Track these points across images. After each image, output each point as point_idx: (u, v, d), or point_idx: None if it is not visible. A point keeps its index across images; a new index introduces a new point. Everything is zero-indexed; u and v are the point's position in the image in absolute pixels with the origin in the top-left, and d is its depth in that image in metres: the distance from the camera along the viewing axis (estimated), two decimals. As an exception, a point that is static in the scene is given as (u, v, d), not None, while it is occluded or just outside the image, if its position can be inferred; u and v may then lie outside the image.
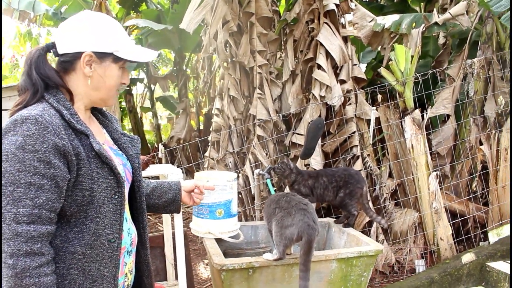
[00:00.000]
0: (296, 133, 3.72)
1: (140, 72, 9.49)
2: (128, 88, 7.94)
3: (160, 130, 9.33)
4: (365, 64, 5.15)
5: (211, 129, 3.95)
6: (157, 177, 2.24)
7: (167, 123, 12.04)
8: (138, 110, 9.22)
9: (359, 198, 2.62)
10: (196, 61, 8.68)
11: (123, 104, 8.62)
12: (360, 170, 3.60)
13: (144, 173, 2.04)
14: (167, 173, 2.08)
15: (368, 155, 3.72)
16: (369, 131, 3.49)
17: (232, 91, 3.81)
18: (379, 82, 4.26)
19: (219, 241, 2.27)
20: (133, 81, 8.52)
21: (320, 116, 3.54)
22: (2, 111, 3.07)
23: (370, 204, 3.38)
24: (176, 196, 1.57)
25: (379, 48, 4.32)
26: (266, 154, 3.77)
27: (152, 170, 2.15)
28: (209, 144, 3.97)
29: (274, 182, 3.46)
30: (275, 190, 2.80)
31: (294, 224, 1.82)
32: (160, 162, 3.64)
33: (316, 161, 3.52)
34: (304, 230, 1.80)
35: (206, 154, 3.96)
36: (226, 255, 2.59)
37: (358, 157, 3.66)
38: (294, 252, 2.03)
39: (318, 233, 1.85)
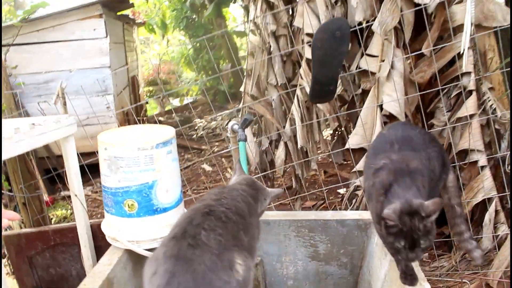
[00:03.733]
0: (367, 54, 2.33)
1: None
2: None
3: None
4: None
5: (246, 53, 2.75)
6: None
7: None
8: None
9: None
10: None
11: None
12: (474, 115, 2.11)
13: None
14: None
15: (491, 88, 2.16)
16: (464, 41, 1.83)
17: (269, -8, 2.52)
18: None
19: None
20: None
21: (400, 21, 2.08)
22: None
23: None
24: None
25: None
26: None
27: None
28: (244, 74, 2.79)
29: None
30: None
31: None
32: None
33: (392, 99, 2.11)
34: None
35: (241, 88, 2.80)
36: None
37: (471, 92, 2.15)
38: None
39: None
